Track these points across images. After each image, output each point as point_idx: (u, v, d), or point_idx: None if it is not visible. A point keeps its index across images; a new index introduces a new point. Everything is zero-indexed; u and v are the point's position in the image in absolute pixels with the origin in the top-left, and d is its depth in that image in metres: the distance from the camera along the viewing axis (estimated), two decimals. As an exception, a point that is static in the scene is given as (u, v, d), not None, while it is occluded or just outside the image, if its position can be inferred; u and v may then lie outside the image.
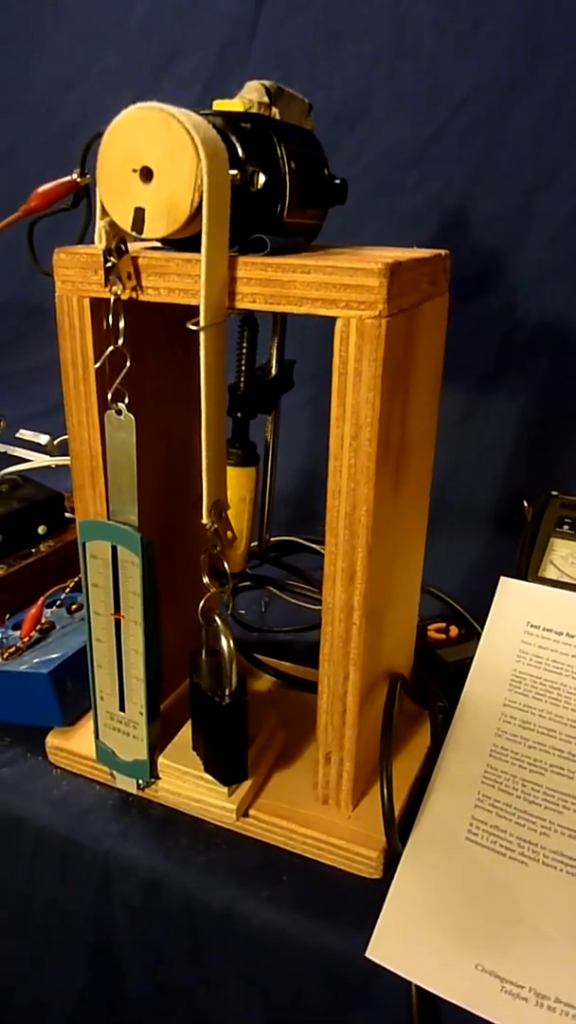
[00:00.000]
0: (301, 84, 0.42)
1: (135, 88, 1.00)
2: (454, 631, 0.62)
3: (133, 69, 1.00)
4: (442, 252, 0.43)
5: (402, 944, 0.39)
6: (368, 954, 0.39)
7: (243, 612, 0.71)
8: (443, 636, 0.61)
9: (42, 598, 0.57)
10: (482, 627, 0.57)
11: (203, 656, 0.44)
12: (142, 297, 0.39)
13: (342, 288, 0.35)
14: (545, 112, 0.80)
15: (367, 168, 0.86)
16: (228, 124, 0.37)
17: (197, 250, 0.35)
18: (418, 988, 0.38)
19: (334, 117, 0.87)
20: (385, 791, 0.44)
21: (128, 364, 0.40)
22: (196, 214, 0.35)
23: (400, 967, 0.39)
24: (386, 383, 0.36)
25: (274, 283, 0.36)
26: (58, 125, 1.08)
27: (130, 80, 1.00)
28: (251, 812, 0.46)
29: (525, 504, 0.75)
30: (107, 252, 0.37)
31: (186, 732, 0.47)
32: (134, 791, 0.48)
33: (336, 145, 0.44)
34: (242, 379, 0.48)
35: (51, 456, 0.95)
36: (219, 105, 0.39)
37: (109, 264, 0.38)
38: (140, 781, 0.47)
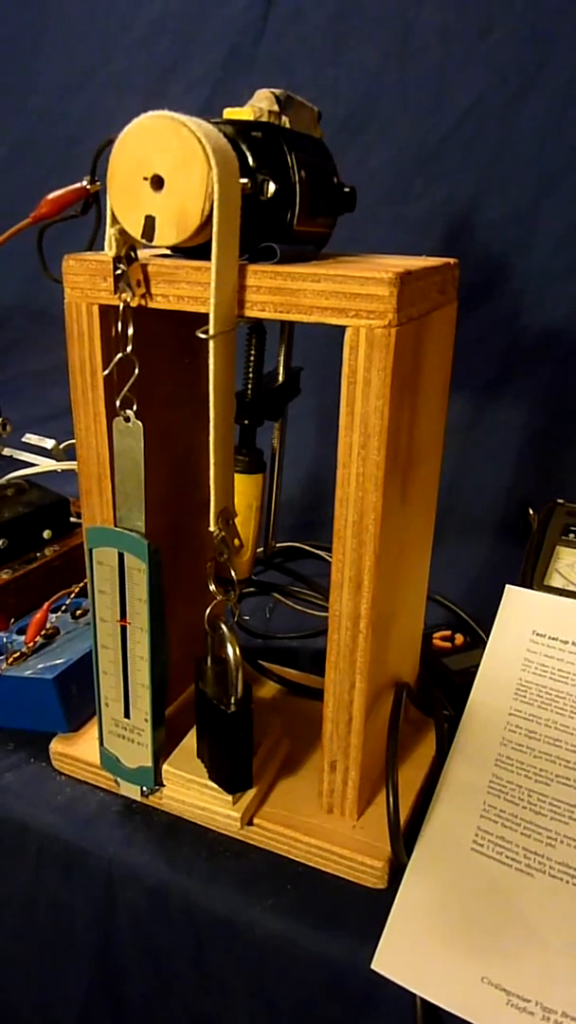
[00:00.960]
0: (307, 90, 0.42)
1: (140, 93, 1.01)
2: (459, 639, 0.62)
3: (139, 74, 1.01)
4: (451, 261, 0.43)
5: (407, 956, 0.39)
6: (374, 966, 0.39)
7: (247, 618, 0.70)
8: (448, 644, 0.61)
9: (47, 603, 0.57)
10: (487, 635, 0.57)
11: (209, 663, 0.44)
12: (151, 304, 0.39)
13: (352, 297, 0.35)
14: (550, 119, 0.80)
15: (372, 175, 0.86)
16: (238, 133, 0.37)
17: (207, 258, 0.35)
18: (423, 1000, 0.38)
19: (340, 123, 0.87)
20: (391, 800, 0.43)
21: (136, 371, 0.40)
22: (206, 223, 0.35)
23: (405, 979, 0.38)
24: (395, 392, 0.36)
25: (284, 292, 0.36)
26: (63, 129, 1.08)
27: (135, 85, 1.00)
28: (255, 820, 0.45)
29: (531, 512, 0.75)
30: (117, 259, 0.37)
31: (191, 739, 0.47)
32: (138, 798, 0.48)
33: (341, 151, 0.44)
34: (250, 386, 0.48)
35: (56, 460, 0.95)
36: (229, 114, 0.39)
37: (119, 271, 0.38)
38: (144, 788, 0.47)
